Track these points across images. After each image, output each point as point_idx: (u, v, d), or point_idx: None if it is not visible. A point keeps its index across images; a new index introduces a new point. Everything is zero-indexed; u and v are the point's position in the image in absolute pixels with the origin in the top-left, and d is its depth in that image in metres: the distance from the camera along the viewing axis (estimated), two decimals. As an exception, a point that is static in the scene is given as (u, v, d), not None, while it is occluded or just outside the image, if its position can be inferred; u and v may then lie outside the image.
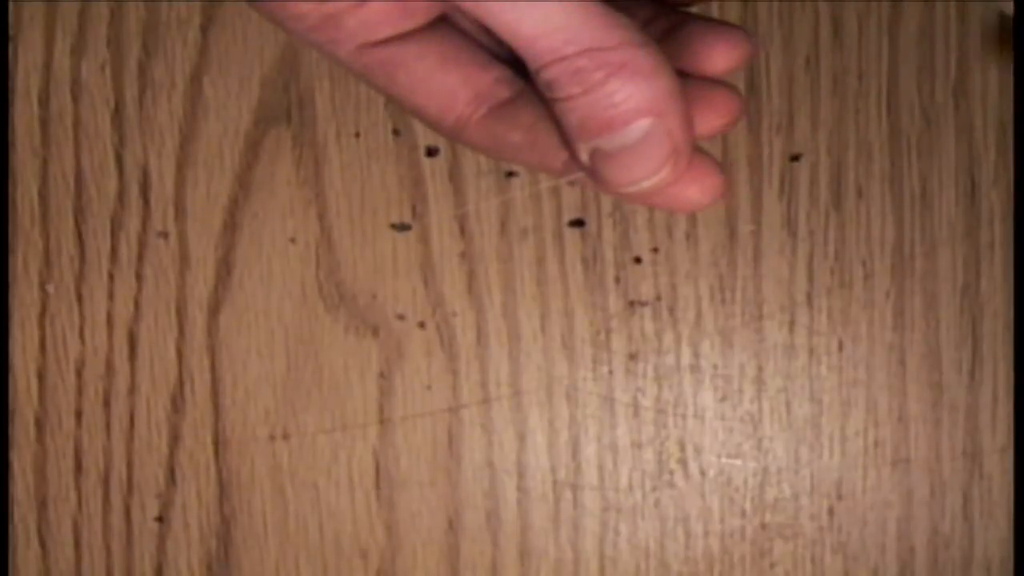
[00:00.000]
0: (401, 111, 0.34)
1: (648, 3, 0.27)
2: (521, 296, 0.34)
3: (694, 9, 0.27)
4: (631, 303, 0.34)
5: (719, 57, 0.24)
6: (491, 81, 0.25)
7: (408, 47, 0.24)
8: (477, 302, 0.34)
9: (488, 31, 0.25)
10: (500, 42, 0.25)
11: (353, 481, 0.35)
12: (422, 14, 0.24)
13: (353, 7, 0.23)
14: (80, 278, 0.34)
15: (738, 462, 0.35)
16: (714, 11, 0.33)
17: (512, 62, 0.26)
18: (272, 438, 0.35)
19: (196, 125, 0.34)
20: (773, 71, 0.34)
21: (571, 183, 0.25)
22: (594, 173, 0.24)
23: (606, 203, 0.34)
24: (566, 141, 0.24)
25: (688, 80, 0.25)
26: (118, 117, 0.34)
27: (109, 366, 0.34)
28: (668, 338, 0.34)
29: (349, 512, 0.35)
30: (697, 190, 0.24)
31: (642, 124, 0.23)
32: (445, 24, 0.25)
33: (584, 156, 0.24)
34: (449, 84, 0.25)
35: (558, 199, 0.34)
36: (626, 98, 0.22)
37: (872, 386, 0.34)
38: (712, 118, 0.25)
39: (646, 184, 0.24)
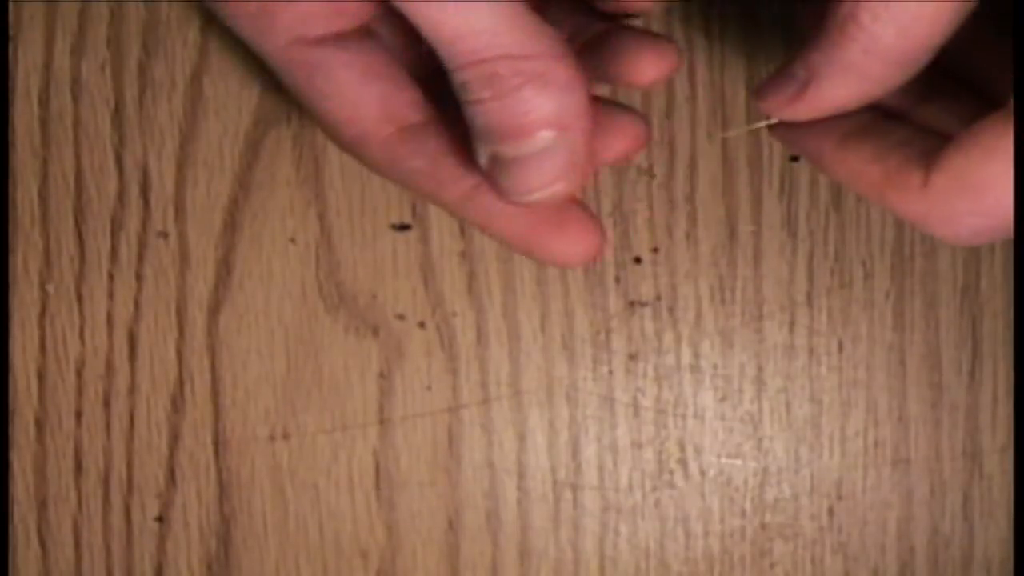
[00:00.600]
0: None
1: (581, 11, 0.27)
2: (521, 296, 0.34)
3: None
4: (631, 303, 0.34)
5: (647, 67, 0.24)
6: (406, 102, 0.25)
7: (336, 53, 0.24)
8: (477, 302, 0.34)
9: (410, 47, 0.25)
10: (421, 61, 0.25)
11: (353, 481, 0.35)
12: (354, 16, 0.24)
13: (289, 3, 0.23)
14: (80, 278, 0.34)
15: (738, 462, 0.35)
16: (714, 12, 0.33)
17: (428, 84, 0.26)
18: (272, 438, 0.35)
19: (196, 125, 0.34)
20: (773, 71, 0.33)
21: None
22: (490, 178, 0.24)
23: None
24: (473, 145, 0.24)
25: (599, 103, 0.25)
26: (118, 117, 0.34)
27: (109, 366, 0.34)
28: (668, 338, 0.34)
29: (349, 512, 0.35)
30: (570, 244, 0.24)
31: (545, 135, 0.22)
32: (371, 37, 0.25)
33: (483, 160, 0.23)
34: (365, 97, 0.25)
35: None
36: (535, 108, 0.22)
37: (872, 386, 0.34)
38: (617, 142, 0.25)
39: (537, 196, 0.23)
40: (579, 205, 0.25)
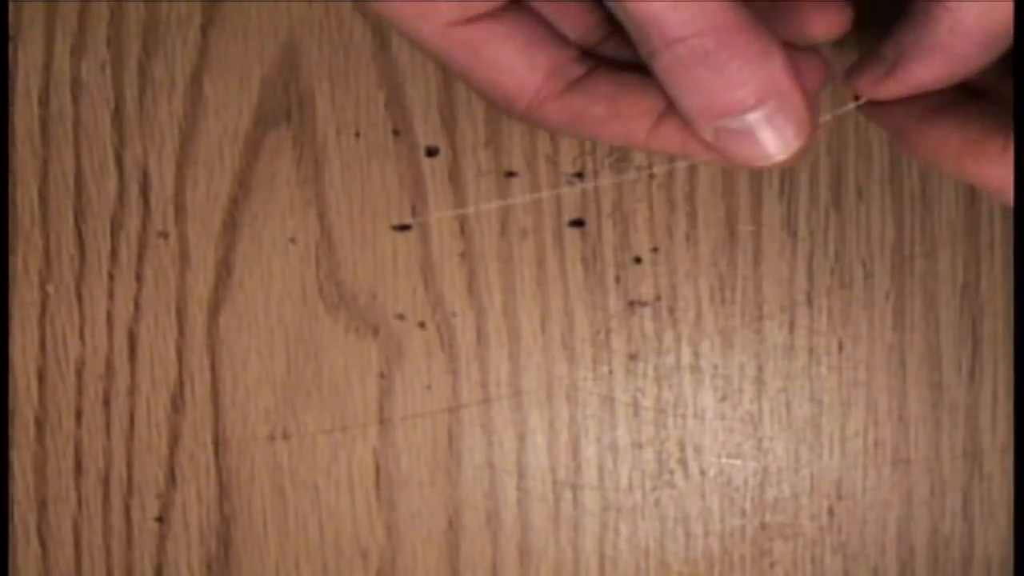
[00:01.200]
0: (401, 111, 0.34)
1: None
2: (521, 296, 0.34)
3: None
4: (631, 303, 0.34)
5: (816, 27, 0.24)
6: (568, 59, 0.25)
7: (495, 26, 0.25)
8: (477, 302, 0.34)
9: (562, 9, 0.25)
10: (573, 22, 0.25)
11: (353, 481, 0.35)
12: None
13: None
14: (80, 278, 0.34)
15: (738, 462, 0.35)
16: (714, 11, 0.33)
17: (582, 39, 0.26)
18: (272, 438, 0.35)
19: (196, 125, 0.34)
20: (773, 71, 0.33)
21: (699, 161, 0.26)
22: (721, 150, 0.24)
23: (606, 203, 0.34)
24: (686, 119, 0.24)
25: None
26: (118, 117, 0.34)
27: (109, 366, 0.34)
28: (668, 338, 0.34)
29: (349, 512, 0.35)
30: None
31: (769, 104, 0.23)
32: (522, 5, 0.25)
33: (708, 135, 0.24)
34: (533, 63, 0.25)
35: (558, 199, 0.34)
36: (751, 79, 0.23)
37: (872, 386, 0.34)
38: (808, 79, 0.25)
39: (778, 159, 0.24)
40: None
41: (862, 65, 0.26)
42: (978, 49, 0.23)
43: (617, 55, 0.26)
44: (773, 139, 0.24)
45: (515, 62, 0.25)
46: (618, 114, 0.25)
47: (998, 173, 0.23)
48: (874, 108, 0.26)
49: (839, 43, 0.33)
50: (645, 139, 0.25)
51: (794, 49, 0.25)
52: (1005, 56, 0.24)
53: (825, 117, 0.32)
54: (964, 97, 0.25)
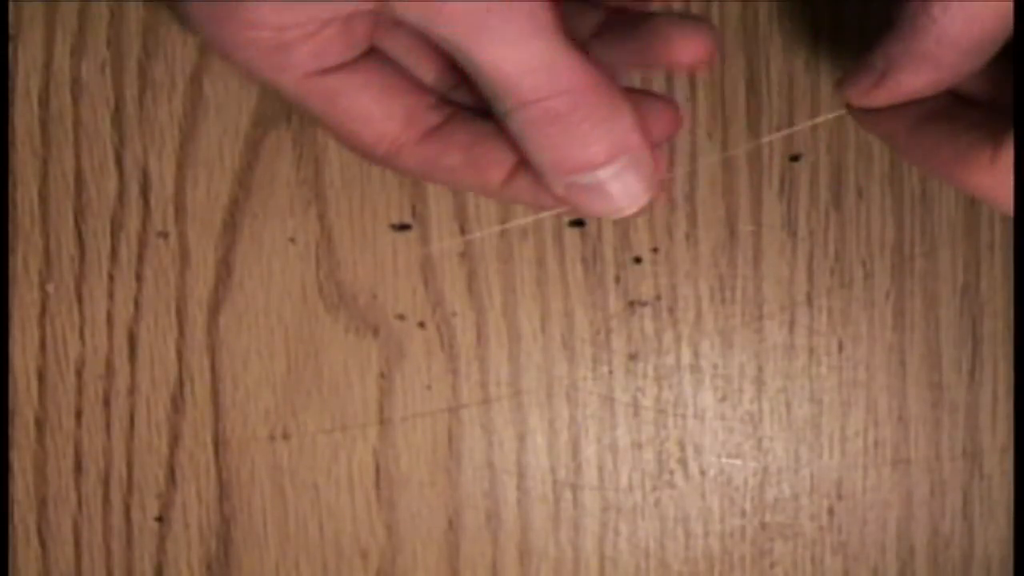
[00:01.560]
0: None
1: (603, 6, 0.27)
2: (521, 296, 0.34)
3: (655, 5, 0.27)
4: (631, 303, 0.34)
5: (683, 52, 0.25)
6: (425, 107, 0.26)
7: (351, 77, 0.25)
8: (477, 302, 0.34)
9: (421, 59, 0.25)
10: (427, 68, 0.26)
11: (353, 481, 0.35)
12: (364, 40, 0.25)
13: (305, 36, 0.23)
14: (80, 278, 0.34)
15: (738, 462, 0.35)
16: (714, 11, 0.33)
17: (439, 88, 0.26)
18: (272, 438, 0.35)
19: (196, 125, 0.34)
20: (773, 71, 0.34)
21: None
22: (573, 204, 0.25)
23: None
24: (538, 173, 0.25)
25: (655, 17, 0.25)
26: (118, 117, 0.34)
27: (109, 366, 0.34)
28: (668, 338, 0.34)
29: (349, 512, 0.35)
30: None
31: (619, 161, 0.24)
32: (378, 53, 0.26)
33: (560, 190, 0.25)
34: (388, 112, 0.26)
35: (558, 199, 0.34)
36: (601, 138, 0.24)
37: (872, 386, 0.34)
38: (657, 128, 0.26)
39: (626, 211, 0.25)
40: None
41: (852, 74, 0.26)
42: (964, 57, 0.24)
43: (474, 101, 0.26)
44: (622, 194, 0.25)
45: (371, 111, 0.25)
46: (473, 164, 0.26)
47: (988, 183, 0.24)
48: (867, 116, 0.27)
49: (837, 51, 0.33)
50: (499, 189, 0.26)
51: (649, 97, 0.26)
52: (995, 63, 0.24)
53: (814, 121, 0.33)
54: (957, 105, 0.26)
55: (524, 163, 0.25)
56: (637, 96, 0.26)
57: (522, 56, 0.22)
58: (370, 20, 0.24)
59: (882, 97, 0.26)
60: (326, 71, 0.25)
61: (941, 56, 0.24)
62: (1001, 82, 0.26)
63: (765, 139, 0.32)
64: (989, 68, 0.24)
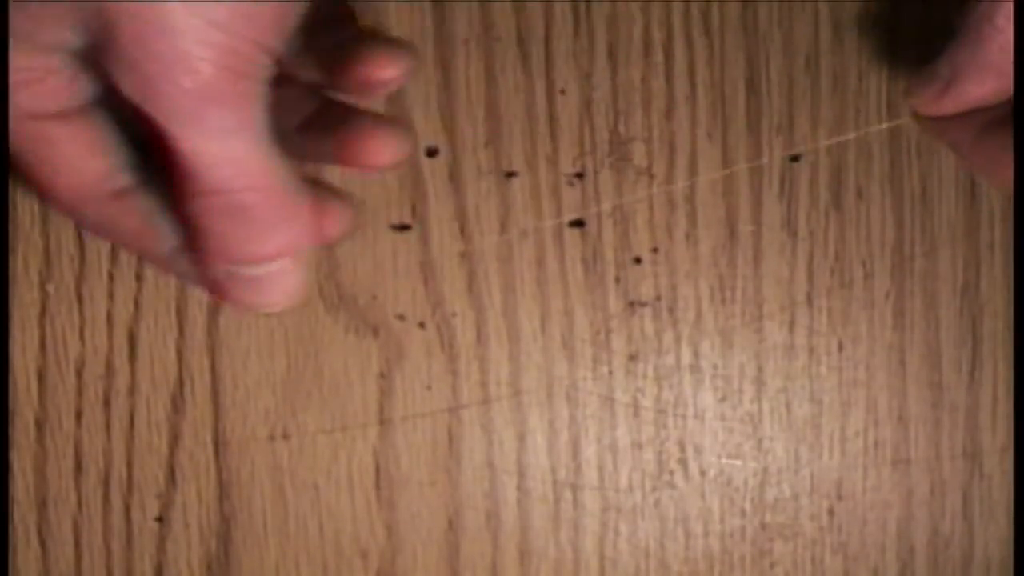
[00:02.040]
0: (401, 111, 0.34)
1: (317, 95, 0.28)
2: (521, 296, 0.34)
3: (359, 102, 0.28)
4: (631, 303, 0.34)
5: (377, 154, 0.26)
6: (120, 167, 0.26)
7: (61, 128, 0.25)
8: (477, 302, 0.34)
9: (123, 121, 0.26)
10: (126, 129, 0.26)
11: (353, 481, 0.35)
12: (83, 94, 0.25)
13: (34, 80, 0.24)
14: (80, 278, 0.34)
15: (738, 462, 0.35)
16: (714, 11, 0.33)
17: (132, 148, 0.26)
18: (272, 438, 0.35)
19: (196, 125, 0.34)
20: (773, 71, 0.34)
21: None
22: (224, 291, 0.26)
23: (606, 203, 0.34)
24: (200, 255, 0.25)
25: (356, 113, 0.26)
26: (118, 117, 0.34)
27: (109, 366, 0.34)
28: (668, 338, 0.34)
29: (349, 512, 0.35)
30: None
31: (281, 262, 0.25)
32: (91, 111, 0.26)
33: (218, 274, 0.25)
34: (86, 167, 0.26)
35: (558, 199, 0.34)
36: (277, 238, 0.24)
37: (872, 386, 0.34)
38: (328, 225, 0.27)
39: (272, 308, 0.26)
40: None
41: (919, 84, 0.27)
42: None
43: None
44: (278, 290, 0.25)
45: (71, 163, 0.25)
46: (145, 234, 0.26)
47: None
48: (933, 124, 0.28)
49: (837, 51, 0.33)
50: (165, 261, 0.26)
51: (329, 194, 0.27)
52: None
53: (875, 128, 0.33)
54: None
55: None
56: (319, 193, 0.26)
57: (222, 150, 0.23)
58: (98, 77, 0.24)
59: (948, 105, 0.26)
60: (40, 116, 0.25)
61: (1005, 64, 0.24)
62: None
63: (854, 132, 0.33)
64: None
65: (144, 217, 0.26)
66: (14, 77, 0.23)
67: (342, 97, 0.27)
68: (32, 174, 0.26)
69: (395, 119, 0.27)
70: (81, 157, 0.25)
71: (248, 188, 0.23)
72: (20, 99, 0.24)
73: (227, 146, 0.22)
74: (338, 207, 0.27)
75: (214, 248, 0.24)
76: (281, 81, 0.24)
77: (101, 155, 0.25)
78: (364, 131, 0.26)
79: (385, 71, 0.26)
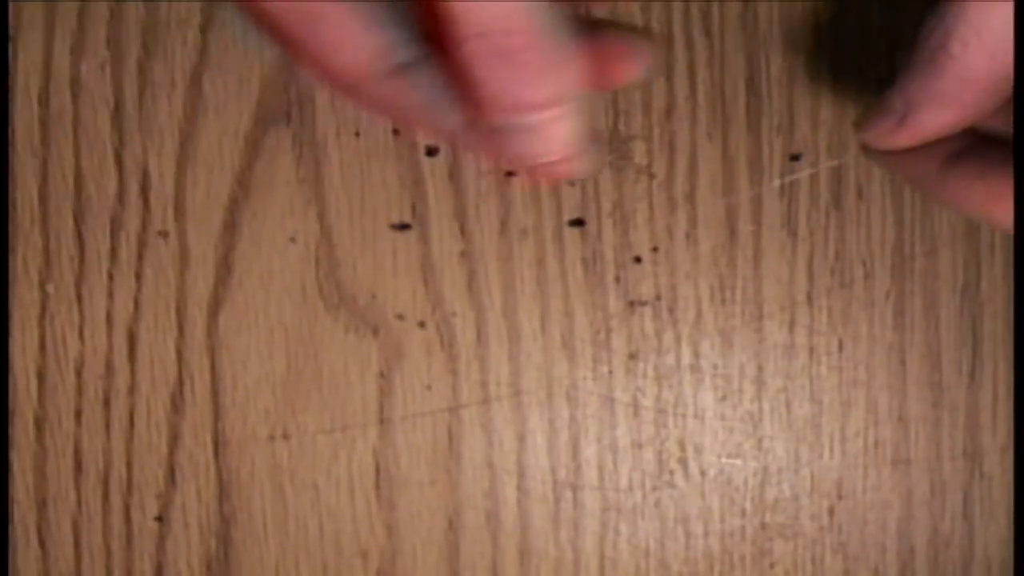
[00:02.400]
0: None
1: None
2: (521, 296, 0.34)
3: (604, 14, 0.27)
4: (631, 303, 0.34)
5: (619, 72, 0.25)
6: (400, 42, 0.26)
7: (336, 4, 0.25)
8: (477, 302, 0.34)
9: None
10: (402, 4, 0.26)
11: (353, 481, 0.35)
12: None
13: None
14: (80, 278, 0.34)
15: (738, 462, 0.35)
16: (714, 11, 0.33)
17: (412, 24, 0.26)
18: (272, 438, 0.35)
19: (196, 125, 0.34)
20: (773, 71, 0.34)
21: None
22: (503, 143, 0.25)
23: (606, 203, 0.34)
24: (479, 108, 0.25)
25: (598, 27, 0.25)
26: (118, 117, 0.34)
27: (109, 366, 0.34)
28: (668, 338, 0.34)
29: (349, 512, 0.35)
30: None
31: (553, 111, 0.24)
32: None
33: (498, 125, 0.25)
34: (364, 43, 0.25)
35: (558, 199, 0.34)
36: (542, 84, 0.23)
37: (872, 386, 0.34)
38: (617, 72, 0.25)
39: (543, 160, 0.25)
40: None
41: (871, 117, 0.26)
42: (985, 94, 0.23)
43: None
44: (555, 139, 0.24)
45: (348, 40, 0.25)
46: (429, 109, 0.26)
47: None
48: (891, 159, 0.27)
49: (837, 51, 0.33)
50: (450, 135, 0.26)
51: (614, 35, 0.26)
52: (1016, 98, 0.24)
53: (833, 163, 0.32)
54: (982, 143, 0.26)
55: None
56: (598, 37, 0.25)
57: None
58: None
59: (904, 138, 0.25)
60: None
61: (962, 94, 0.23)
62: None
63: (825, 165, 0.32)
64: (1009, 103, 0.24)
65: (426, 91, 0.25)
66: None
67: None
68: (311, 56, 0.25)
69: (639, 36, 0.26)
70: (356, 33, 0.25)
71: (510, 30, 0.22)
72: None
73: None
74: (629, 50, 0.25)
75: (487, 100, 0.24)
76: None
77: (376, 30, 0.25)
78: (611, 48, 0.25)
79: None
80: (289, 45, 0.26)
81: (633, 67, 0.25)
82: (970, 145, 0.25)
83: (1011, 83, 0.23)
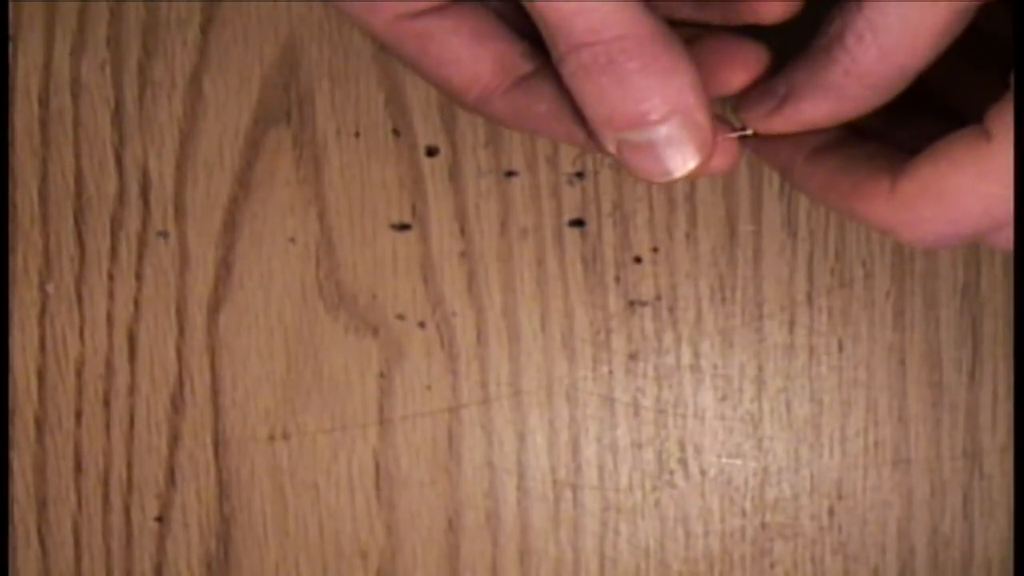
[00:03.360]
0: (401, 111, 0.34)
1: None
2: (521, 296, 0.34)
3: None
4: (631, 303, 0.34)
5: (735, 76, 0.24)
6: (517, 54, 0.25)
7: (442, 20, 0.25)
8: (477, 302, 0.34)
9: (513, 6, 0.25)
10: (522, 17, 0.25)
11: (353, 481, 0.35)
12: None
13: None
14: (80, 278, 0.34)
15: (738, 462, 0.35)
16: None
17: (532, 36, 0.26)
18: (272, 438, 0.35)
19: (196, 125, 0.34)
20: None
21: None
22: (623, 162, 0.24)
23: (606, 203, 0.34)
24: (590, 129, 0.24)
25: (708, 33, 0.25)
26: (118, 117, 0.34)
27: (109, 366, 0.34)
28: (668, 338, 0.34)
29: (349, 512, 0.35)
30: (720, 160, 0.25)
31: (673, 121, 0.23)
32: (468, 1, 0.25)
33: (611, 147, 0.24)
34: (479, 57, 0.25)
35: (558, 199, 0.34)
36: (655, 94, 0.22)
37: (872, 386, 0.34)
38: (736, 74, 0.25)
39: (675, 176, 0.24)
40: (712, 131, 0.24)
41: (752, 97, 0.25)
42: (870, 92, 0.23)
43: None
44: (673, 157, 0.23)
45: (461, 56, 0.25)
46: (560, 114, 0.25)
47: (886, 214, 0.23)
48: (762, 143, 0.26)
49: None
50: (587, 140, 0.25)
51: (728, 36, 0.25)
52: (895, 98, 0.24)
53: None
54: (851, 137, 0.25)
55: None
56: (710, 42, 0.25)
57: None
58: None
59: (779, 124, 0.25)
60: (417, 15, 0.24)
61: (847, 88, 0.23)
62: (896, 117, 0.25)
63: None
64: (887, 104, 0.24)
65: (551, 102, 0.25)
66: None
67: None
68: (432, 78, 0.25)
69: (748, 39, 0.25)
70: (468, 47, 0.25)
71: (610, 39, 0.22)
72: (387, 2, 0.23)
73: None
74: (743, 56, 0.25)
75: (597, 116, 0.23)
76: None
77: (490, 43, 0.25)
78: (725, 53, 0.24)
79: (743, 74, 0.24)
80: (409, 65, 0.26)
81: (751, 66, 0.24)
82: (839, 138, 0.25)
83: (898, 84, 0.23)
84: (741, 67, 0.24)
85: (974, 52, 0.25)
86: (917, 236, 0.23)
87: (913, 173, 0.23)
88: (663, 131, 0.23)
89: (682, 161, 0.23)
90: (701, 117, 0.23)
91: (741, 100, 0.25)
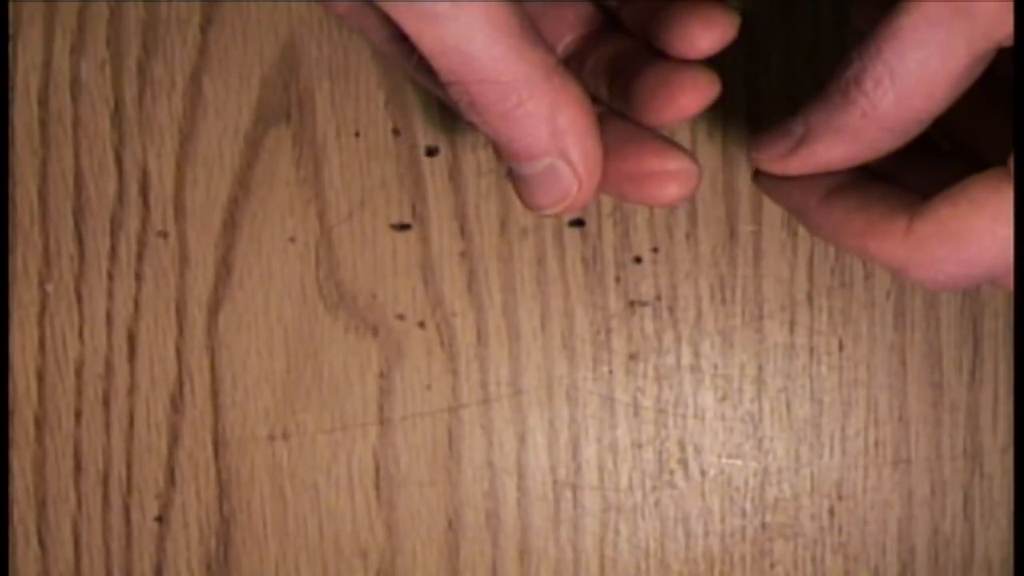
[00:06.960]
0: (401, 111, 0.34)
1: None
2: (521, 296, 0.34)
3: None
4: (631, 303, 0.34)
5: (699, 39, 0.24)
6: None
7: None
8: (477, 302, 0.34)
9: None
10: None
11: (353, 481, 0.35)
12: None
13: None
14: (80, 278, 0.34)
15: (738, 462, 0.35)
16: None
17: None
18: (272, 438, 0.35)
19: (196, 125, 0.34)
20: (773, 71, 0.33)
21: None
22: (515, 190, 0.25)
23: (606, 203, 0.34)
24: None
25: (660, 61, 0.24)
26: (118, 117, 0.34)
27: (109, 366, 0.34)
28: (668, 338, 0.34)
29: (349, 512, 0.35)
30: (674, 186, 0.24)
31: (544, 160, 0.23)
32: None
33: (509, 171, 0.25)
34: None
35: (558, 199, 0.34)
36: (530, 133, 0.23)
37: (872, 386, 0.34)
38: (685, 100, 0.24)
39: (550, 211, 0.24)
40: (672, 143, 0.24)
41: (767, 138, 0.25)
42: (887, 135, 0.23)
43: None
44: (549, 192, 0.24)
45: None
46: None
47: (901, 254, 0.23)
48: (775, 185, 0.26)
49: (837, 51, 0.33)
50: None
51: (680, 63, 0.24)
52: (911, 141, 0.24)
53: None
54: (865, 178, 0.25)
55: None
56: (662, 68, 0.24)
57: (441, 32, 0.21)
58: None
59: (795, 165, 0.25)
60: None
61: (864, 131, 0.23)
62: (909, 160, 0.25)
63: None
64: (903, 147, 0.24)
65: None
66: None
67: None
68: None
69: (714, 4, 0.24)
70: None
71: (475, 81, 0.22)
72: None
73: (445, 33, 0.21)
74: (695, 81, 0.24)
75: (496, 143, 0.23)
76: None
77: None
78: (688, 18, 0.23)
79: (709, 34, 0.23)
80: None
81: (700, 95, 0.24)
82: (855, 179, 0.25)
83: (915, 128, 0.23)
84: (692, 92, 0.24)
85: (994, 95, 0.25)
86: (930, 276, 0.23)
87: (930, 213, 0.23)
88: (536, 167, 0.23)
89: (551, 199, 0.24)
90: (576, 159, 0.23)
91: (756, 141, 0.25)
